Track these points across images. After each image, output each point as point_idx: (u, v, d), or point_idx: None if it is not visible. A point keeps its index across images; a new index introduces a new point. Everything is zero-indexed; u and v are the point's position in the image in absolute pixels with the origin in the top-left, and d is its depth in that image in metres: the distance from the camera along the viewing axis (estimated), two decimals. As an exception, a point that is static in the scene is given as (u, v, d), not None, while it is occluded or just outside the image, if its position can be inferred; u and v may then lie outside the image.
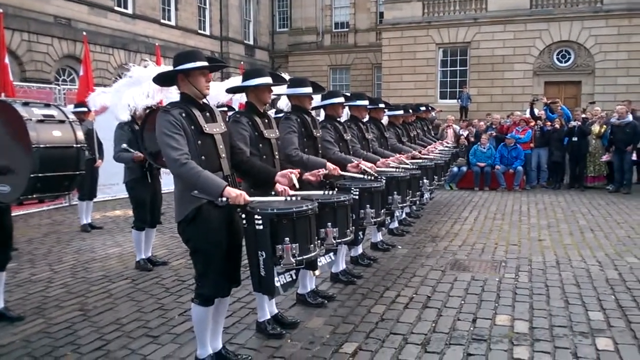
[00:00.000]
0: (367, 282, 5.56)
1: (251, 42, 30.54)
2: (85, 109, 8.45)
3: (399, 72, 24.11)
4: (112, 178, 10.19)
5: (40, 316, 4.77)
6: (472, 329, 4.32)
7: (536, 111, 14.12)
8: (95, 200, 9.08)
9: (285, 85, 4.68)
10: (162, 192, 6.47)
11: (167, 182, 6.60)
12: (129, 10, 21.60)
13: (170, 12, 24.14)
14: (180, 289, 5.49)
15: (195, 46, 23.21)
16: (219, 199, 3.10)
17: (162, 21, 23.44)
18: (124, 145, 5.95)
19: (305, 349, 3.98)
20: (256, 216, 3.21)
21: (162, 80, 3.57)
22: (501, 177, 12.71)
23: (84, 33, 11.28)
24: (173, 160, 3.14)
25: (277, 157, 4.08)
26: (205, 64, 3.35)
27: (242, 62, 17.73)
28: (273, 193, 3.58)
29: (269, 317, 4.25)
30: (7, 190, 3.97)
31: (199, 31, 26.13)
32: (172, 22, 24.17)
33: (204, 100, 3.46)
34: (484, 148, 12.98)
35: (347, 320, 4.52)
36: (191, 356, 3.77)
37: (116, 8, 20.85)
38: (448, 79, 23.94)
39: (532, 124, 13.44)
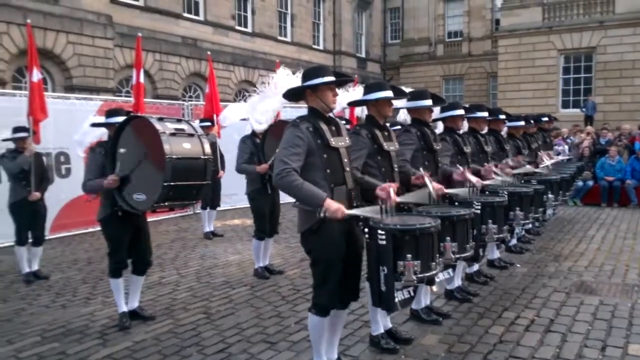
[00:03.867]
0: (484, 301, 5.37)
1: (363, 55, 30.83)
2: (209, 124, 9.03)
3: (517, 81, 23.12)
4: (232, 188, 10.73)
5: (169, 317, 5.14)
6: (601, 357, 4.02)
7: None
8: (217, 209, 9.58)
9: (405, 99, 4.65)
10: (281, 203, 6.68)
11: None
12: (249, 29, 22.74)
13: (286, 29, 25.08)
14: (295, 297, 5.65)
15: (310, 60, 23.93)
16: (318, 212, 3.15)
17: (279, 38, 24.41)
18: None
19: (419, 366, 3.93)
20: (379, 231, 3.22)
21: (292, 95, 3.72)
22: (632, 193, 11.65)
23: (209, 52, 12.04)
24: (276, 174, 3.28)
25: (395, 169, 4.08)
26: (333, 79, 3.45)
27: (355, 75, 17.92)
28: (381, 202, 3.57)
29: (382, 331, 4.23)
30: (143, 198, 4.35)
31: (313, 46, 26.86)
32: (288, 39, 25.08)
33: (331, 114, 3.56)
34: (613, 161, 12.02)
35: (462, 340, 4.39)
36: (307, 365, 3.87)
37: (237, 27, 22.05)
38: (571, 87, 22.55)
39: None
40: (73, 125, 8.78)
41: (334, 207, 3.15)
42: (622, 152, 12.46)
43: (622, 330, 4.51)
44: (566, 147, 13.09)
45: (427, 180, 3.97)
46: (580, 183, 11.76)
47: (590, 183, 12.19)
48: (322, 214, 3.14)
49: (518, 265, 6.70)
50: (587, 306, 5.14)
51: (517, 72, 23.10)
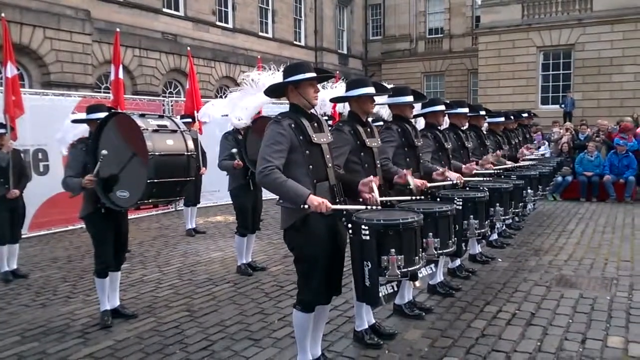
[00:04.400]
0: (466, 295, 5.41)
1: (345, 51, 30.87)
2: (190, 120, 8.97)
3: (497, 78, 23.35)
4: (214, 185, 10.68)
5: (151, 315, 5.09)
6: (581, 350, 4.07)
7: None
8: (198, 206, 9.53)
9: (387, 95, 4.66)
10: (263, 199, 6.66)
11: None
12: (230, 25, 22.61)
13: (267, 25, 24.99)
14: (279, 294, 5.63)
15: (291, 57, 23.86)
16: (302, 207, 3.15)
17: (260, 34, 24.31)
18: (234, 150, 6.18)
19: (403, 360, 3.95)
20: (363, 226, 3.23)
21: (273, 92, 3.70)
22: (611, 188, 11.84)
23: (189, 48, 11.94)
24: (258, 171, 3.27)
25: (378, 165, 4.09)
26: (314, 75, 3.45)
27: (337, 72, 17.93)
28: (361, 200, 3.58)
29: (366, 326, 4.24)
30: (127, 195, 4.29)
31: (295, 42, 26.83)
32: (269, 35, 25.01)
33: (312, 111, 3.55)
34: (592, 156, 12.21)
35: (445, 334, 4.42)
36: (291, 361, 3.87)
37: (218, 23, 21.90)
38: (550, 84, 22.85)
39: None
40: (51, 122, 8.69)
41: (317, 202, 3.15)
42: (600, 147, 12.65)
43: (601, 323, 4.58)
44: (545, 143, 13.25)
45: (409, 178, 3.98)
46: (559, 178, 11.92)
47: (570, 178, 12.35)
48: (305, 207, 3.14)
49: (499, 260, 6.77)
50: (567, 299, 5.21)
51: (497, 69, 23.32)
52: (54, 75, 15.10)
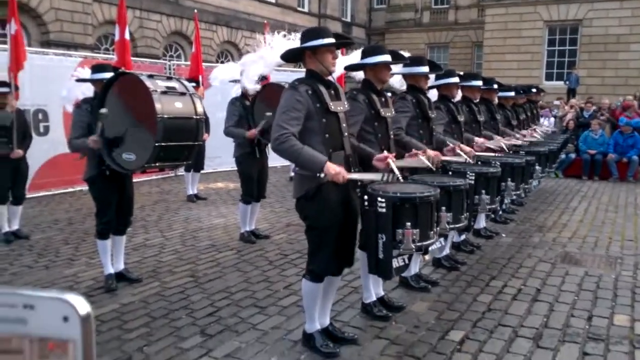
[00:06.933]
0: (471, 270, 5.40)
1: (348, 19, 30.34)
2: (194, 84, 8.79)
3: (502, 52, 23.06)
4: (215, 151, 10.57)
5: (156, 279, 5.07)
6: (587, 327, 4.07)
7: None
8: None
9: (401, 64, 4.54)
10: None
11: (273, 156, 6.70)
12: (233, -12, 22.11)
13: (271, -11, 24.45)
14: (283, 262, 5.61)
15: (294, 23, 23.37)
16: (319, 175, 3.09)
17: (263, -2, 23.81)
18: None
19: (410, 332, 3.94)
20: (379, 199, 3.17)
21: (290, 56, 3.58)
22: (614, 167, 11.80)
23: (195, 11, 11.67)
24: (274, 138, 3.18)
25: (391, 136, 4.01)
26: (333, 40, 3.33)
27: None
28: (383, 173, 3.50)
29: (375, 299, 4.22)
30: (133, 158, 4.21)
31: (298, 8, 26.29)
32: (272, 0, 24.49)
33: (330, 78, 3.44)
34: (596, 134, 12.13)
35: (452, 307, 4.41)
36: (298, 329, 3.85)
37: (221, -15, 21.41)
38: (555, 59, 22.59)
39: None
40: (52, 82, 8.53)
41: (335, 170, 3.08)
42: (604, 126, 12.57)
43: (607, 301, 4.58)
44: (552, 119, 13.15)
45: (423, 159, 3.88)
46: (562, 155, 11.85)
47: (572, 156, 12.30)
48: (321, 176, 3.07)
49: (504, 235, 6.75)
50: (572, 277, 5.21)
51: (503, 42, 23.02)
52: (53, 35, 14.80)
